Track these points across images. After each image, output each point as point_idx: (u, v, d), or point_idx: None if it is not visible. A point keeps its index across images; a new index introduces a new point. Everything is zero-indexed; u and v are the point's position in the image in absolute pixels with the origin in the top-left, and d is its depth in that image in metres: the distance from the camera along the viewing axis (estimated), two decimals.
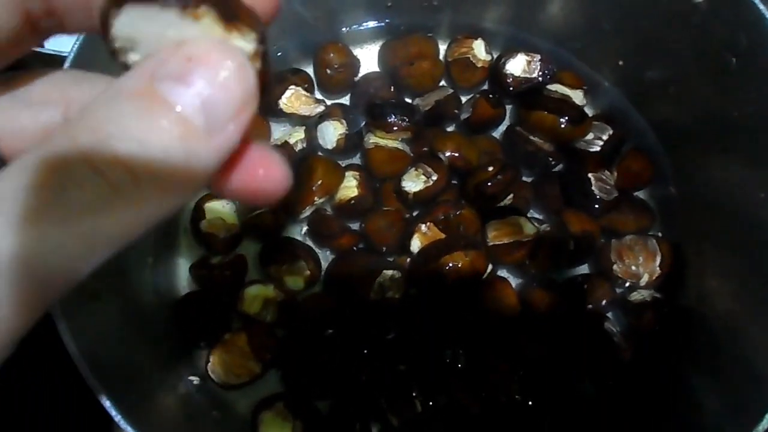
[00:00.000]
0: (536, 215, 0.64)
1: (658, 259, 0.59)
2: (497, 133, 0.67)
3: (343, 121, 0.63)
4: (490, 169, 0.59)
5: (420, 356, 0.57)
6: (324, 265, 0.61)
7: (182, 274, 0.62)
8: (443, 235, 0.59)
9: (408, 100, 0.66)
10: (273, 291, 0.59)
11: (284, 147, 0.62)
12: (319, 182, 0.59)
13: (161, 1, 0.18)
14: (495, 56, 0.66)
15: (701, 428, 0.49)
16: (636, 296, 0.59)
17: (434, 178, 0.59)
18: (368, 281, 0.57)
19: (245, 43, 0.19)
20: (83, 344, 0.41)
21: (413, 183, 0.60)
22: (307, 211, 0.60)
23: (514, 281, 0.62)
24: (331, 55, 0.65)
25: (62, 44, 0.54)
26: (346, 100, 0.68)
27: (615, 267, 0.59)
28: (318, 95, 0.67)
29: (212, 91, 0.18)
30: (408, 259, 0.59)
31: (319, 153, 0.64)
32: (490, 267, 0.59)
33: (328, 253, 0.62)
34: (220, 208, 0.60)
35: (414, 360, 0.57)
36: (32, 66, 0.25)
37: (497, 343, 0.57)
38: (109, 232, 0.18)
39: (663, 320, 0.57)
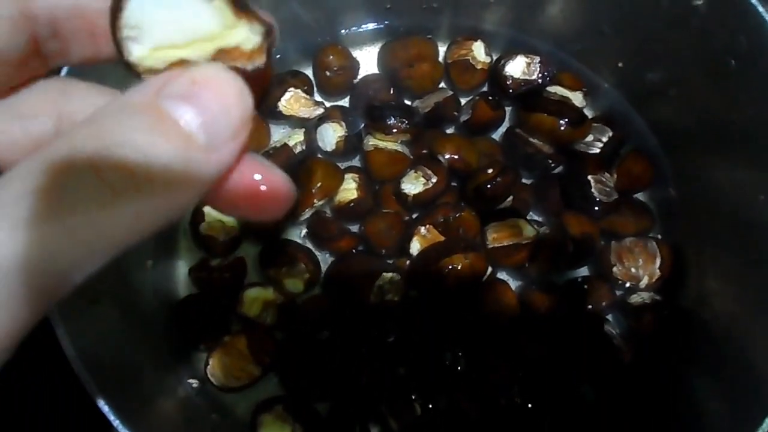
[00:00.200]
0: (536, 217, 0.64)
1: (658, 261, 0.59)
2: (497, 135, 0.67)
3: (343, 124, 0.63)
4: (490, 171, 0.59)
5: (419, 359, 0.57)
6: (323, 267, 0.61)
7: (181, 277, 0.62)
8: (443, 238, 0.59)
9: (407, 102, 0.66)
10: (272, 293, 0.59)
11: (283, 149, 0.62)
12: (319, 184, 0.59)
13: None
14: (494, 58, 0.66)
15: (702, 430, 0.49)
16: (636, 298, 0.59)
17: (434, 180, 0.59)
18: (368, 284, 0.56)
19: (252, 34, 0.20)
20: (82, 348, 0.41)
21: (413, 185, 0.60)
22: (307, 214, 0.60)
23: (513, 283, 0.62)
24: (331, 57, 0.65)
25: None
26: (345, 102, 0.68)
27: (615, 269, 0.59)
28: (317, 97, 0.67)
29: (214, 112, 0.19)
30: (407, 262, 0.59)
31: (319, 155, 0.64)
32: (489, 269, 0.59)
33: (327, 255, 0.62)
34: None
35: (413, 362, 0.57)
36: None
37: (497, 346, 0.57)
38: (108, 237, 0.18)
39: (663, 322, 0.57)
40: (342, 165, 0.63)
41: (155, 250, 0.60)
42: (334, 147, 0.62)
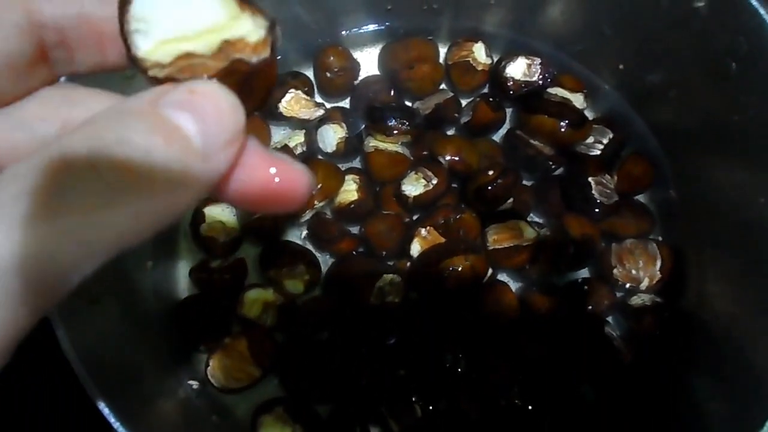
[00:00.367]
0: (536, 219, 0.64)
1: (659, 263, 0.59)
2: (497, 137, 0.67)
3: (343, 125, 0.63)
4: (491, 172, 0.59)
5: (420, 360, 0.57)
6: (324, 268, 0.61)
7: (182, 278, 0.62)
8: (443, 239, 0.59)
9: (408, 104, 0.66)
10: (273, 295, 0.59)
11: (284, 150, 0.62)
12: (319, 186, 0.59)
13: None
14: (495, 59, 0.66)
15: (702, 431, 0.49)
16: (636, 300, 0.59)
17: (434, 181, 0.59)
18: (368, 285, 0.56)
19: (256, 27, 0.21)
20: (82, 349, 0.41)
21: (413, 187, 0.60)
22: (307, 215, 0.60)
23: (514, 285, 0.61)
24: (331, 58, 0.65)
25: None
26: (346, 103, 0.68)
27: (615, 271, 0.59)
28: (318, 98, 0.67)
29: (210, 120, 0.19)
30: (408, 263, 0.59)
31: (319, 156, 0.64)
32: (490, 271, 0.59)
33: (327, 256, 0.62)
34: (219, 211, 0.60)
35: (414, 364, 0.57)
36: None
37: (497, 347, 0.57)
38: (106, 237, 0.18)
39: (663, 324, 0.57)
40: (342, 166, 0.63)
41: (155, 251, 0.60)
42: (334, 148, 0.62)
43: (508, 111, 0.67)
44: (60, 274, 0.17)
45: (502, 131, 0.66)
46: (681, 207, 0.61)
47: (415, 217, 0.62)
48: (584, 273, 0.62)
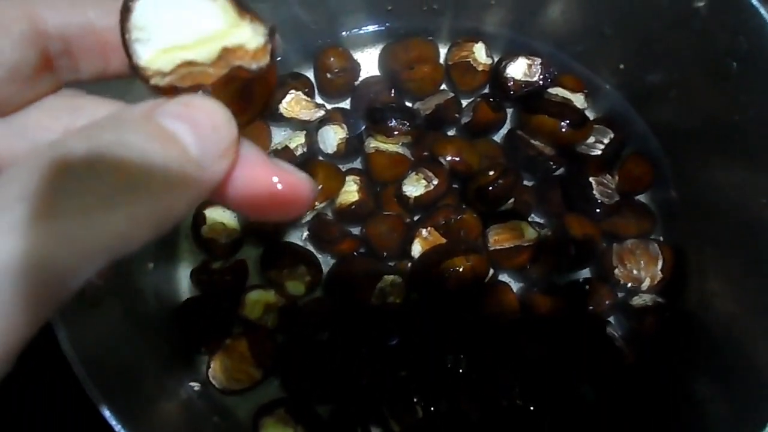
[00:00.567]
0: (537, 219, 0.64)
1: (660, 263, 0.59)
2: (498, 137, 0.67)
3: (344, 126, 0.63)
4: (491, 173, 0.59)
5: (421, 361, 0.57)
6: (325, 270, 0.61)
7: (183, 280, 0.62)
8: (444, 240, 0.59)
9: (408, 104, 0.66)
10: (274, 296, 0.59)
11: (284, 151, 0.62)
12: (320, 187, 0.59)
13: None
14: (495, 60, 0.66)
15: None
16: (637, 300, 0.59)
17: (435, 182, 0.59)
18: (369, 286, 0.56)
19: (255, 34, 0.21)
20: (82, 350, 0.41)
21: (414, 187, 0.60)
22: (308, 216, 0.60)
23: (515, 286, 0.61)
24: (332, 59, 0.65)
25: None
26: (346, 104, 0.68)
27: (616, 271, 0.59)
28: (318, 99, 0.67)
29: (206, 130, 0.20)
30: (409, 264, 0.59)
31: (320, 157, 0.64)
32: (491, 271, 0.59)
33: (328, 258, 0.62)
34: (220, 213, 0.60)
35: (415, 365, 0.57)
36: None
37: (498, 348, 0.57)
38: (104, 241, 0.18)
39: (665, 324, 0.57)
40: (343, 167, 0.64)
41: (157, 253, 0.60)
42: (335, 149, 0.62)
43: (509, 111, 0.67)
44: (59, 278, 0.17)
45: (503, 131, 0.66)
46: (682, 207, 0.61)
47: (416, 218, 0.62)
48: (585, 273, 0.62)
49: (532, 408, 0.55)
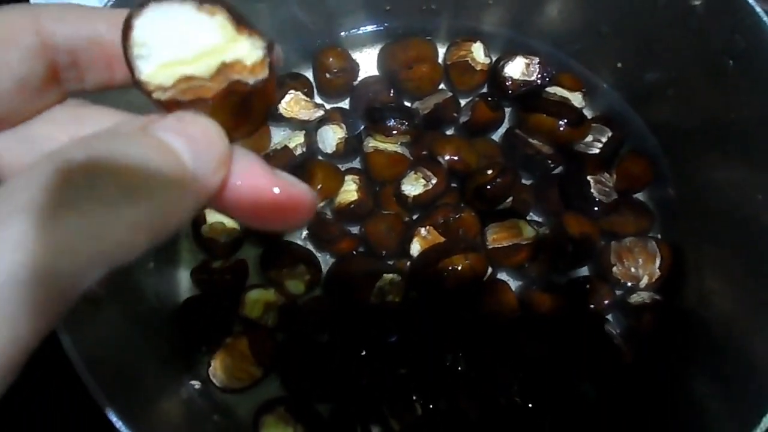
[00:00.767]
0: (536, 218, 0.64)
1: (658, 261, 0.59)
2: (496, 136, 0.67)
3: (343, 125, 0.63)
4: (490, 172, 0.59)
5: (420, 359, 0.57)
6: (324, 268, 0.61)
7: (183, 279, 0.63)
8: (443, 239, 0.59)
9: (407, 104, 0.67)
10: (274, 295, 0.59)
11: (284, 151, 0.62)
12: (319, 186, 0.59)
13: None
14: (494, 59, 0.66)
15: (701, 429, 0.49)
16: (636, 298, 0.59)
17: (434, 181, 0.60)
18: (368, 285, 0.57)
19: (253, 49, 0.21)
20: (83, 349, 0.42)
21: (413, 186, 0.60)
22: None
23: (513, 284, 0.62)
24: (330, 59, 0.65)
25: None
26: (345, 104, 0.68)
27: (615, 269, 0.59)
28: (317, 99, 0.67)
29: (200, 144, 0.20)
30: (408, 263, 0.60)
31: (319, 157, 0.65)
32: (489, 270, 0.59)
33: (328, 257, 0.62)
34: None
35: (414, 363, 0.57)
36: None
37: (497, 346, 0.58)
38: (105, 247, 0.18)
39: (663, 322, 0.57)
40: (342, 167, 0.64)
41: (157, 253, 0.60)
42: (334, 149, 0.62)
43: (507, 110, 0.67)
44: (62, 289, 0.17)
45: (501, 130, 0.67)
46: (680, 205, 0.62)
47: (414, 217, 0.62)
48: (584, 271, 0.62)
49: (531, 406, 0.56)
